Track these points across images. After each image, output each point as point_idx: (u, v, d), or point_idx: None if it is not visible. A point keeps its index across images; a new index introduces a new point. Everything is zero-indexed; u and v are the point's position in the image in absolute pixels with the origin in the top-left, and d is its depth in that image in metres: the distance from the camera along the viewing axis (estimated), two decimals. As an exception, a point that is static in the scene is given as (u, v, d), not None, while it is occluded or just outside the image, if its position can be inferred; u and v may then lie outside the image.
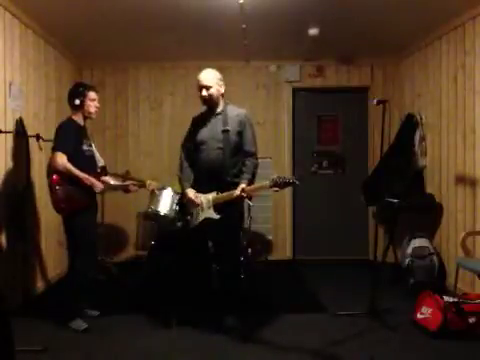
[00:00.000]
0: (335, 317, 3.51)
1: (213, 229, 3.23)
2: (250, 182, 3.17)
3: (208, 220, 3.18)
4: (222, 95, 3.28)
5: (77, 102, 3.30)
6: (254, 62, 5.55)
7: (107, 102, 5.43)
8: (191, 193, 3.23)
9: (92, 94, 3.36)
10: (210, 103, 3.24)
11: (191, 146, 3.34)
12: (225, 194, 3.13)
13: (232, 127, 3.20)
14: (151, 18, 3.99)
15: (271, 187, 2.93)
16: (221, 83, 3.25)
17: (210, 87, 3.18)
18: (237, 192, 3.06)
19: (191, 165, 3.34)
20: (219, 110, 3.27)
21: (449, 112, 4.24)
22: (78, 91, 3.33)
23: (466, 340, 3.01)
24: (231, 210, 3.17)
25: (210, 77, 3.21)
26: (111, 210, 5.22)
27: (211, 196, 3.17)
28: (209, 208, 3.16)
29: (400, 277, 4.30)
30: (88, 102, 3.33)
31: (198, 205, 3.20)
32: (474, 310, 3.08)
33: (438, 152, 4.46)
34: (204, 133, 3.26)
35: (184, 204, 3.40)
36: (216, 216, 3.14)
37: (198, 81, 3.21)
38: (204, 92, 3.18)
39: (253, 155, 3.26)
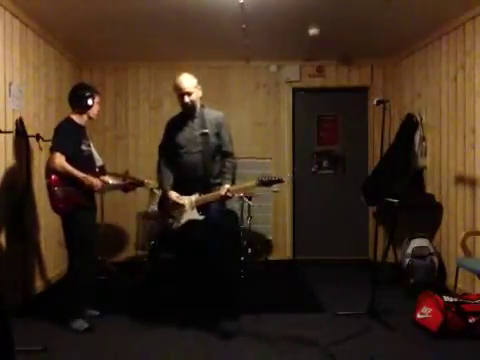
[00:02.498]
0: (335, 317, 3.51)
1: (199, 230, 3.19)
2: (232, 182, 3.19)
3: (193, 221, 3.17)
4: (199, 98, 3.26)
5: (90, 102, 3.34)
6: (254, 62, 5.55)
7: (107, 102, 5.42)
8: (173, 195, 3.21)
9: (98, 97, 3.43)
10: (191, 108, 3.21)
11: (170, 149, 3.31)
12: (208, 195, 3.14)
13: (210, 129, 3.20)
14: (151, 18, 3.99)
15: (257, 186, 2.98)
16: (199, 87, 3.24)
17: (192, 93, 3.16)
18: (222, 192, 3.07)
19: (170, 167, 3.32)
20: (196, 113, 3.25)
21: (449, 112, 4.24)
22: (90, 93, 3.35)
23: (466, 340, 3.01)
24: (214, 210, 3.17)
25: (190, 83, 3.18)
26: (111, 210, 5.22)
27: (194, 197, 3.17)
28: (192, 209, 3.16)
29: (400, 277, 4.30)
30: (95, 104, 3.39)
31: (181, 206, 3.18)
32: (474, 310, 3.08)
33: (438, 152, 4.46)
34: (182, 137, 3.24)
35: (163, 206, 3.33)
36: (200, 217, 3.15)
37: (178, 87, 3.17)
38: (186, 99, 3.15)
39: (231, 155, 3.27)
